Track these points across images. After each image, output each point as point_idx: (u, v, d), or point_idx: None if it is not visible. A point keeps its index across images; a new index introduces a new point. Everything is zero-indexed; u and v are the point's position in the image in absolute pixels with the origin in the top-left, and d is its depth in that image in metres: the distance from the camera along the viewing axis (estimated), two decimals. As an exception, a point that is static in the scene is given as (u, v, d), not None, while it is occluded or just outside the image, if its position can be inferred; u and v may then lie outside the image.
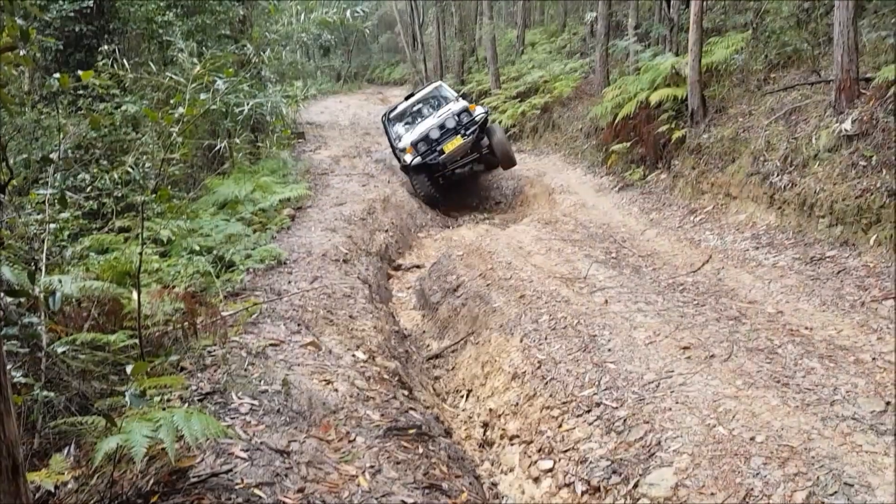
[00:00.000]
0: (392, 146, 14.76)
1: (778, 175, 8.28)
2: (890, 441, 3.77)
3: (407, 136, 14.01)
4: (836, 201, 7.23)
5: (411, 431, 4.25)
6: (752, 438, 3.94)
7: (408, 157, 13.48)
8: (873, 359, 4.79)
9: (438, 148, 13.25)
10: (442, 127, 13.39)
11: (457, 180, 15.17)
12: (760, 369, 4.78)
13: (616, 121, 12.68)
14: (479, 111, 13.79)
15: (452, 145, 13.25)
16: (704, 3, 10.72)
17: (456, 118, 13.41)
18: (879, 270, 6.35)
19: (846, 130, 7.48)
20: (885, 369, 4.61)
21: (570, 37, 22.74)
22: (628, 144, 12.34)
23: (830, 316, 5.67)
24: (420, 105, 14.99)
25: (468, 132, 13.33)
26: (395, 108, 15.20)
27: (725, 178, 9.39)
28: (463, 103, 14.02)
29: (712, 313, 5.98)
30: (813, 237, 7.44)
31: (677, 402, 4.48)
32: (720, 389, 4.54)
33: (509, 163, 14.03)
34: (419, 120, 14.43)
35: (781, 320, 5.70)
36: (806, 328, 5.47)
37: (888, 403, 4.13)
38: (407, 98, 15.41)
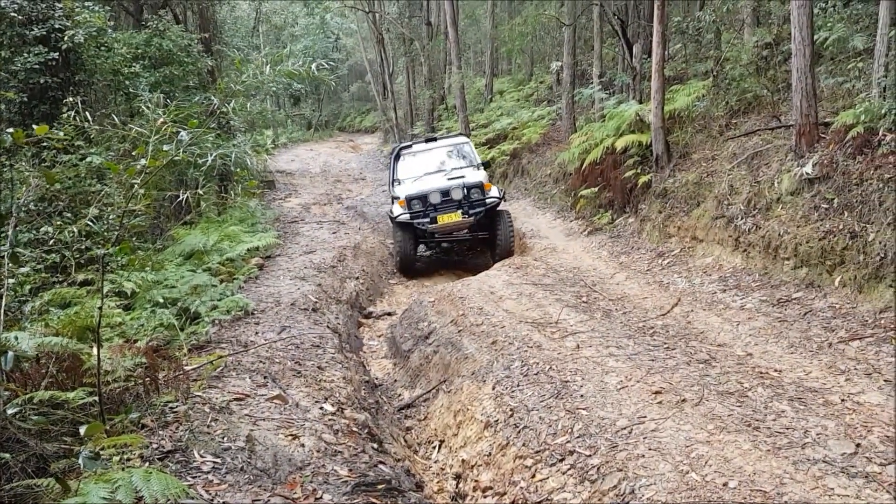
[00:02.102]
0: (391, 185, 13.16)
1: (742, 218, 8.41)
2: (861, 483, 3.75)
3: (406, 186, 12.36)
4: (801, 243, 7.34)
5: (381, 487, 4.14)
6: (726, 484, 3.90)
7: (396, 209, 12.02)
8: (842, 400, 4.81)
9: (432, 215, 11.62)
10: (446, 194, 11.66)
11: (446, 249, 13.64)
12: (731, 413, 4.76)
13: (583, 166, 12.89)
14: (493, 193, 11.95)
15: (448, 219, 11.60)
16: (666, 52, 11.02)
17: (464, 191, 11.63)
18: (845, 312, 6.43)
19: (807, 174, 7.65)
20: (854, 410, 4.62)
21: (537, 85, 23.25)
22: (596, 189, 12.52)
23: (799, 358, 5.71)
24: (437, 155, 13.05)
25: (471, 213, 11.61)
26: (411, 146, 13.37)
27: (691, 221, 9.52)
28: (480, 176, 12.15)
29: (682, 357, 5.98)
30: (779, 279, 7.53)
31: (650, 449, 4.43)
32: (692, 434, 4.51)
33: (506, 256, 11.89)
34: (429, 171, 12.64)
35: (751, 363, 5.71)
36: (775, 370, 5.49)
37: (858, 445, 4.13)
38: (427, 140, 13.61)
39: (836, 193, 7.19)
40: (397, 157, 13.06)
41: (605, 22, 15.90)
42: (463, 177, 11.97)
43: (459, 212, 11.59)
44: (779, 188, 8.06)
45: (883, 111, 6.87)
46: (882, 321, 6.04)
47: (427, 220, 11.65)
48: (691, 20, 13.19)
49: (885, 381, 5.05)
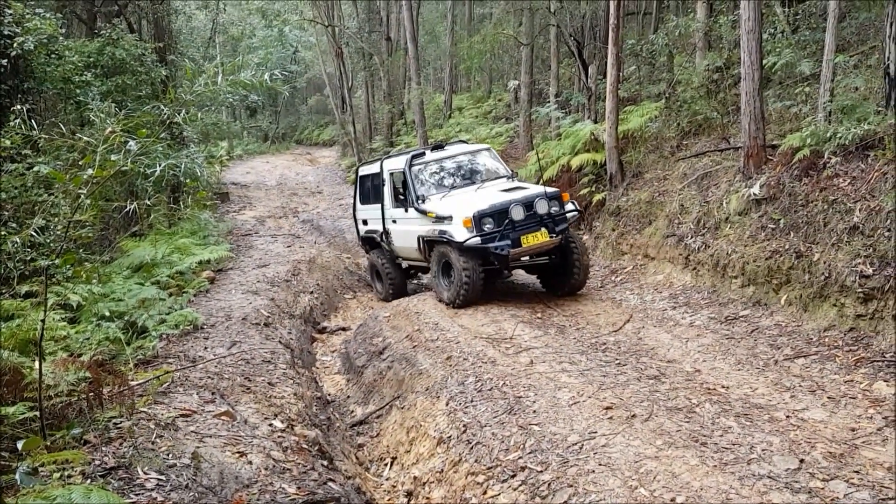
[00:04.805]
0: (411, 202, 9.83)
1: (692, 237, 8.58)
2: (805, 499, 3.83)
3: (464, 203, 9.20)
4: (748, 262, 7.51)
5: (329, 504, 4.09)
6: (673, 499, 3.94)
7: (459, 232, 8.81)
8: (787, 416, 4.91)
9: (514, 236, 8.70)
10: (529, 208, 8.84)
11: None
12: (680, 429, 4.83)
13: (540, 183, 12.99)
14: (570, 206, 9.36)
15: (535, 240, 8.75)
16: (620, 73, 11.22)
17: (548, 203, 8.93)
18: (791, 329, 6.59)
19: (755, 195, 7.84)
20: (799, 427, 4.72)
21: (496, 103, 23.47)
22: (552, 207, 12.61)
23: (745, 374, 5.81)
24: (458, 164, 10.50)
25: (558, 230, 8.92)
26: (423, 154, 10.56)
27: (643, 239, 9.67)
28: (550, 188, 9.40)
29: (633, 372, 6.05)
30: (727, 297, 7.69)
31: (600, 464, 4.46)
32: (641, 450, 4.55)
33: (580, 288, 9.37)
34: (455, 186, 10.03)
35: (699, 379, 5.80)
36: (722, 387, 5.58)
37: (802, 461, 4.22)
38: (434, 148, 10.83)
39: (782, 214, 7.39)
40: (410, 167, 10.13)
41: (562, 43, 16.13)
42: (527, 188, 9.62)
43: (545, 229, 8.87)
44: (727, 208, 8.25)
45: (828, 134, 7.08)
46: (826, 339, 6.21)
47: (507, 242, 8.69)
48: (645, 43, 13.45)
49: (828, 398, 5.18)
